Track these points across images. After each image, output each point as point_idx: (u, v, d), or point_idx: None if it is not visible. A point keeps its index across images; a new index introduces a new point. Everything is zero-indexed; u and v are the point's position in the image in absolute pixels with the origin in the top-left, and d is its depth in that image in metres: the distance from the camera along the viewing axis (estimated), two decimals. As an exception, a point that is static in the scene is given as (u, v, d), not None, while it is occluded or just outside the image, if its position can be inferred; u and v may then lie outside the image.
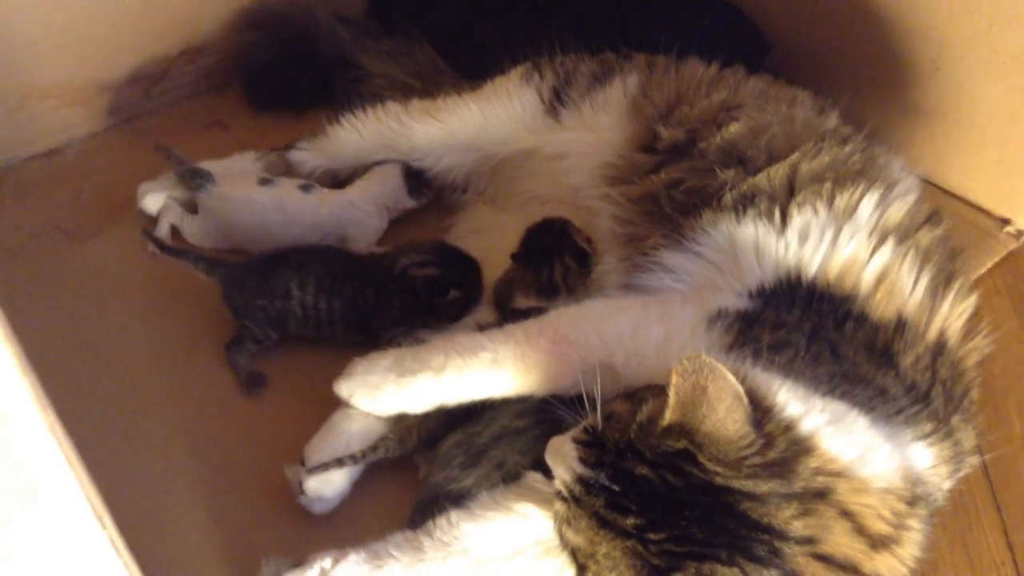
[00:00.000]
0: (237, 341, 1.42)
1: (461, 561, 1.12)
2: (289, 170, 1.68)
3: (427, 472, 1.22)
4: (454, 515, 1.15)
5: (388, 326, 1.41)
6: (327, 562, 1.12)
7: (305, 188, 1.58)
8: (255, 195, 1.54)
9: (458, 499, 1.17)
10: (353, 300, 1.41)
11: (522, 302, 1.41)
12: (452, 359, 1.19)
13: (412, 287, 1.41)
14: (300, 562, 1.12)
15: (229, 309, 1.42)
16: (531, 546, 1.13)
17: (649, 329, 1.14)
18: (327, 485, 1.22)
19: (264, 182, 1.56)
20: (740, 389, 0.91)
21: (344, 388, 1.24)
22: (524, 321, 1.22)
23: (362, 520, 1.24)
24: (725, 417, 0.90)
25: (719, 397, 0.90)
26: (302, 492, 1.21)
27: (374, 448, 1.23)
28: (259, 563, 1.14)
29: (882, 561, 0.94)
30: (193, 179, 1.55)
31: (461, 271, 1.45)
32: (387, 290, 1.42)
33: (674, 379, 0.91)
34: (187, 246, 1.56)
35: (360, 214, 1.60)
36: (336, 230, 1.58)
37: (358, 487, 1.26)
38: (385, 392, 1.22)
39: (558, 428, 1.08)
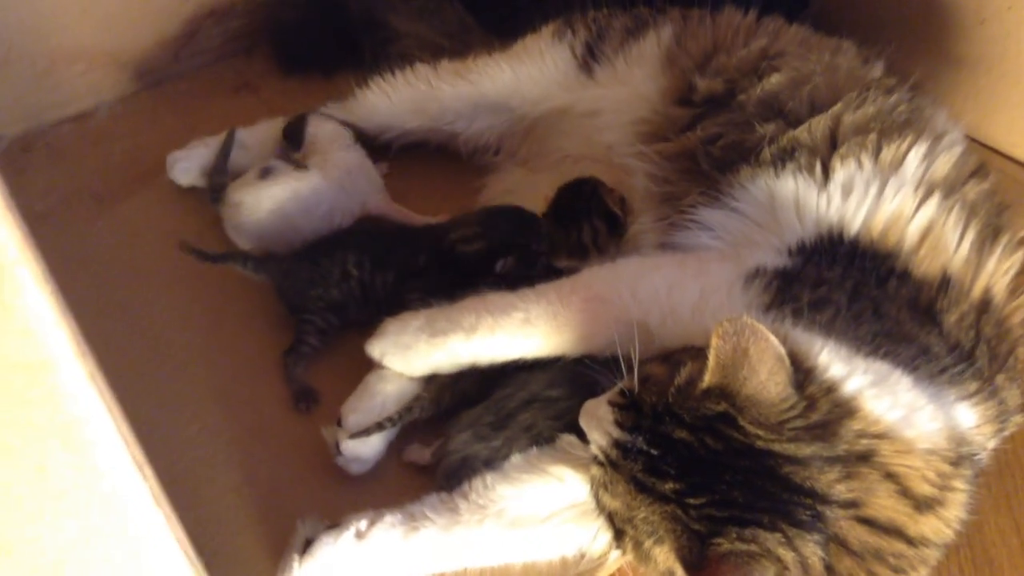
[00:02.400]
0: (297, 345, 1.36)
1: (496, 524, 1.12)
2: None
3: (451, 434, 1.21)
4: (489, 478, 1.15)
5: (422, 294, 1.35)
6: (363, 523, 1.12)
7: (299, 168, 1.51)
8: (264, 192, 1.47)
9: (487, 460, 1.16)
10: (404, 266, 1.38)
11: (559, 262, 1.39)
12: (483, 318, 1.17)
13: (463, 262, 1.39)
14: (336, 523, 1.13)
15: (285, 305, 1.39)
16: (567, 509, 1.14)
17: (685, 287, 1.12)
18: (364, 446, 1.21)
19: (264, 174, 1.49)
20: (782, 351, 0.89)
21: (376, 348, 1.23)
22: (557, 280, 1.20)
23: (398, 481, 1.24)
24: (767, 380, 0.89)
25: (761, 359, 0.88)
26: (339, 453, 1.21)
27: (409, 409, 1.23)
28: (295, 524, 1.14)
29: (927, 523, 0.93)
30: (217, 193, 1.51)
31: (510, 237, 1.40)
32: (437, 262, 1.39)
33: (714, 341, 0.90)
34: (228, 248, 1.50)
35: (359, 157, 1.57)
36: (358, 196, 1.54)
37: (395, 448, 1.26)
38: (416, 352, 1.21)
39: (592, 398, 1.07)
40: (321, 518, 1.15)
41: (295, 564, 1.10)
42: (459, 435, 1.19)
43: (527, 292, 1.19)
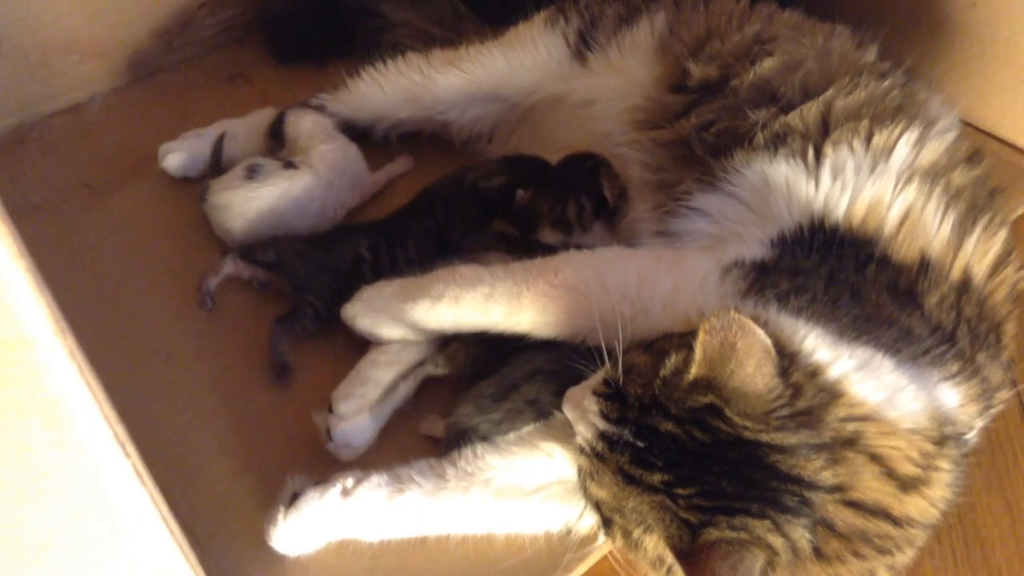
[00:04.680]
0: (292, 320, 1.36)
1: (483, 493, 1.13)
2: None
3: (455, 411, 1.21)
4: (480, 447, 1.15)
5: (464, 234, 1.39)
6: (349, 481, 1.13)
7: (287, 165, 1.50)
8: (253, 193, 1.45)
9: (486, 434, 1.17)
10: (424, 227, 1.40)
11: (544, 233, 1.40)
12: (450, 288, 1.19)
13: (486, 196, 1.41)
14: (323, 480, 1.14)
15: (289, 283, 1.38)
16: (554, 484, 1.14)
17: (657, 279, 1.12)
18: (355, 432, 1.21)
19: (252, 173, 1.47)
20: (769, 343, 0.89)
21: (349, 310, 1.27)
22: (532, 260, 1.21)
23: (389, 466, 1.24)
24: (754, 372, 0.89)
25: (748, 353, 0.88)
26: (330, 439, 1.21)
27: (422, 363, 1.24)
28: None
29: (912, 503, 0.93)
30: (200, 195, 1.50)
31: (529, 172, 1.43)
32: (458, 200, 1.41)
33: (701, 336, 0.89)
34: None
35: (343, 147, 1.57)
36: (348, 188, 1.54)
37: (386, 435, 1.26)
38: (386, 315, 1.23)
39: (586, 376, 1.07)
40: (310, 475, 1.16)
41: (280, 516, 1.11)
42: (462, 407, 1.20)
43: (498, 268, 1.20)
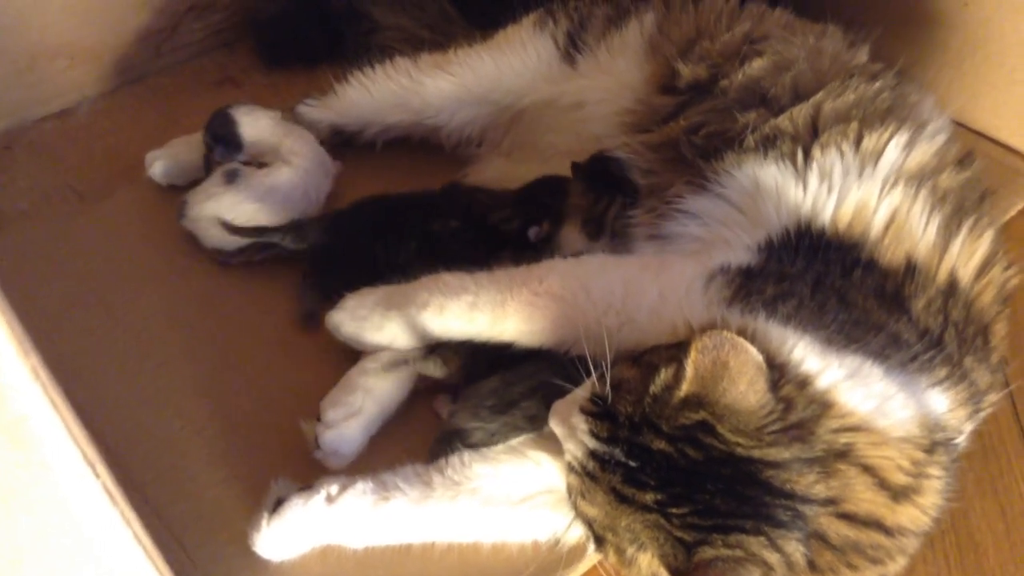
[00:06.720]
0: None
1: (469, 502, 1.12)
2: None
3: (453, 410, 1.21)
4: (467, 455, 1.15)
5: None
6: (334, 488, 1.12)
7: (260, 164, 1.52)
8: (239, 196, 1.46)
9: (479, 441, 1.16)
10: (424, 233, 1.41)
11: (567, 231, 1.39)
12: (435, 297, 1.18)
13: (507, 238, 1.42)
14: (308, 486, 1.14)
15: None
16: (542, 493, 1.13)
17: (642, 288, 1.11)
18: (342, 440, 1.20)
19: (231, 178, 1.48)
20: (761, 360, 0.89)
21: (334, 318, 1.26)
22: (516, 268, 1.20)
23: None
24: (746, 390, 0.88)
25: (741, 371, 0.88)
26: (318, 447, 1.20)
27: (424, 357, 1.24)
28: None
29: (904, 512, 0.93)
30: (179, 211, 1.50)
31: (540, 208, 1.43)
32: (476, 229, 1.42)
33: (693, 355, 0.89)
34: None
35: (301, 133, 1.58)
36: (322, 169, 1.55)
37: (374, 444, 1.25)
38: (370, 323, 1.23)
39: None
40: (299, 483, 1.15)
41: (264, 522, 1.11)
42: (462, 405, 1.19)
43: (482, 276, 1.19)
